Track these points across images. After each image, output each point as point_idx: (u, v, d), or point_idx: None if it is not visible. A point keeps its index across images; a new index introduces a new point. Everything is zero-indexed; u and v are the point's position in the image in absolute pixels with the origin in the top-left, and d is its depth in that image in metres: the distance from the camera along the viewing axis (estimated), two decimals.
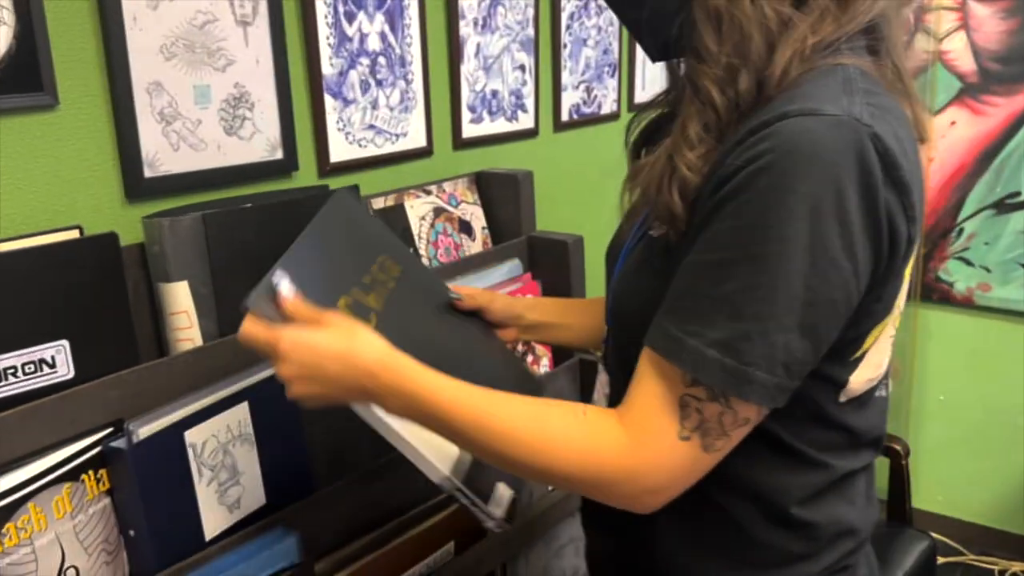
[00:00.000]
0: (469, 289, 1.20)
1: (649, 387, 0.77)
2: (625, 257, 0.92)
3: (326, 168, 1.46)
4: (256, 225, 1.21)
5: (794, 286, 0.71)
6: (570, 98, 1.99)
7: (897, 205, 0.74)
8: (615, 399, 0.89)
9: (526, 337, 1.21)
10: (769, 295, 0.72)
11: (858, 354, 0.82)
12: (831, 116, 0.71)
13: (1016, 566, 2.64)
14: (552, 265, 1.62)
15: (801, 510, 0.85)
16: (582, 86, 2.01)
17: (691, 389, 0.74)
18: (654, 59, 0.93)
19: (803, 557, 0.87)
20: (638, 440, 0.77)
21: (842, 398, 0.84)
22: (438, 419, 0.81)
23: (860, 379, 0.84)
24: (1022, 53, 2.44)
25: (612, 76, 2.10)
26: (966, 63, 2.53)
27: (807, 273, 0.71)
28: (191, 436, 1.06)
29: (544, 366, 1.67)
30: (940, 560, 2.44)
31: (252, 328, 0.81)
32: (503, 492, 0.97)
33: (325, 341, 0.81)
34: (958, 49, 2.53)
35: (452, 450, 0.91)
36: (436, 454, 0.91)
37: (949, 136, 2.58)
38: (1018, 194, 2.52)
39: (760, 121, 0.73)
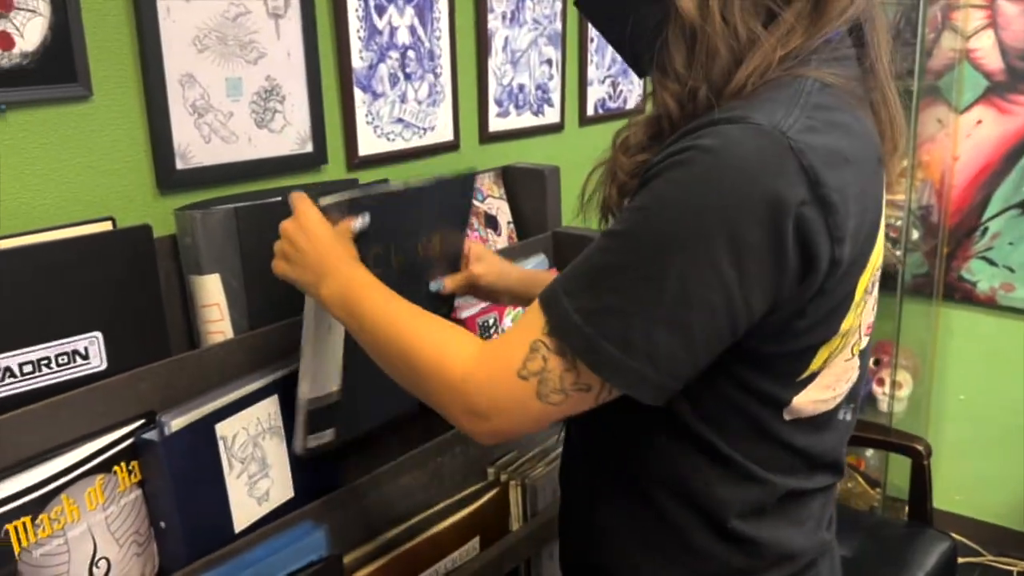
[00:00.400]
0: (478, 250, 1.22)
1: (518, 325, 0.80)
2: None
3: (354, 161, 1.46)
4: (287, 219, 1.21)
5: (667, 279, 0.71)
6: (596, 93, 1.98)
7: (818, 223, 0.71)
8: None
9: (519, 305, 1.26)
10: (640, 281, 0.72)
11: (805, 375, 0.81)
12: (754, 125, 0.71)
13: None
14: None
15: (741, 524, 0.85)
16: (608, 81, 2.00)
17: (546, 338, 0.76)
18: (640, 75, 0.96)
19: (743, 572, 0.87)
20: (483, 360, 0.80)
21: (787, 416, 0.83)
22: (353, 308, 0.91)
23: (806, 400, 0.83)
24: None
25: None
26: (993, 61, 2.50)
27: (683, 271, 0.71)
28: (222, 429, 1.06)
29: None
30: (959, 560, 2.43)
31: (308, 205, 0.98)
32: (327, 435, 1.14)
33: (324, 229, 0.97)
34: (986, 47, 2.50)
35: (327, 387, 1.10)
36: (314, 377, 1.07)
37: (975, 135, 2.56)
38: None
39: (694, 125, 0.74)
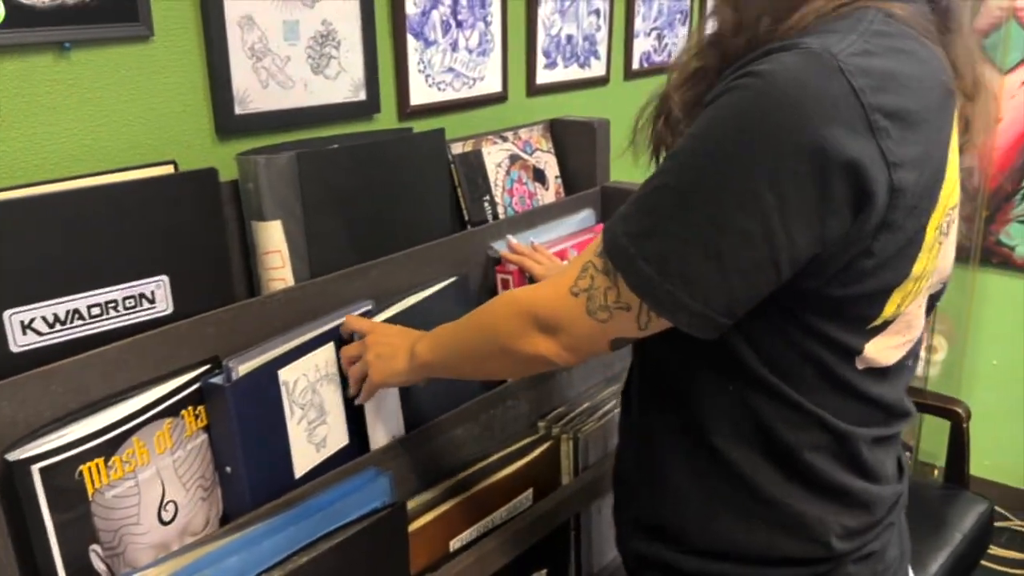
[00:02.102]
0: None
1: (582, 251, 0.85)
2: None
3: (406, 111, 1.44)
4: (346, 166, 1.19)
5: (704, 204, 0.72)
6: (641, 45, 1.94)
7: (870, 148, 0.69)
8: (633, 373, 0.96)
9: None
10: (678, 202, 0.74)
11: (877, 322, 0.79)
12: (804, 50, 0.70)
13: None
14: None
15: (812, 471, 0.84)
16: (654, 33, 1.97)
17: (595, 258, 0.80)
18: None
19: (819, 522, 0.85)
20: (546, 283, 0.88)
21: (859, 366, 0.82)
22: (441, 344, 1.01)
23: (880, 347, 0.81)
24: None
25: (683, 24, 2.06)
26: None
27: (718, 195, 0.71)
28: (284, 374, 1.06)
29: None
30: None
31: (363, 318, 1.14)
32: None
33: (387, 324, 1.14)
34: None
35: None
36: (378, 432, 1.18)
37: (1019, 96, 2.51)
38: None
39: (757, 54, 0.74)
